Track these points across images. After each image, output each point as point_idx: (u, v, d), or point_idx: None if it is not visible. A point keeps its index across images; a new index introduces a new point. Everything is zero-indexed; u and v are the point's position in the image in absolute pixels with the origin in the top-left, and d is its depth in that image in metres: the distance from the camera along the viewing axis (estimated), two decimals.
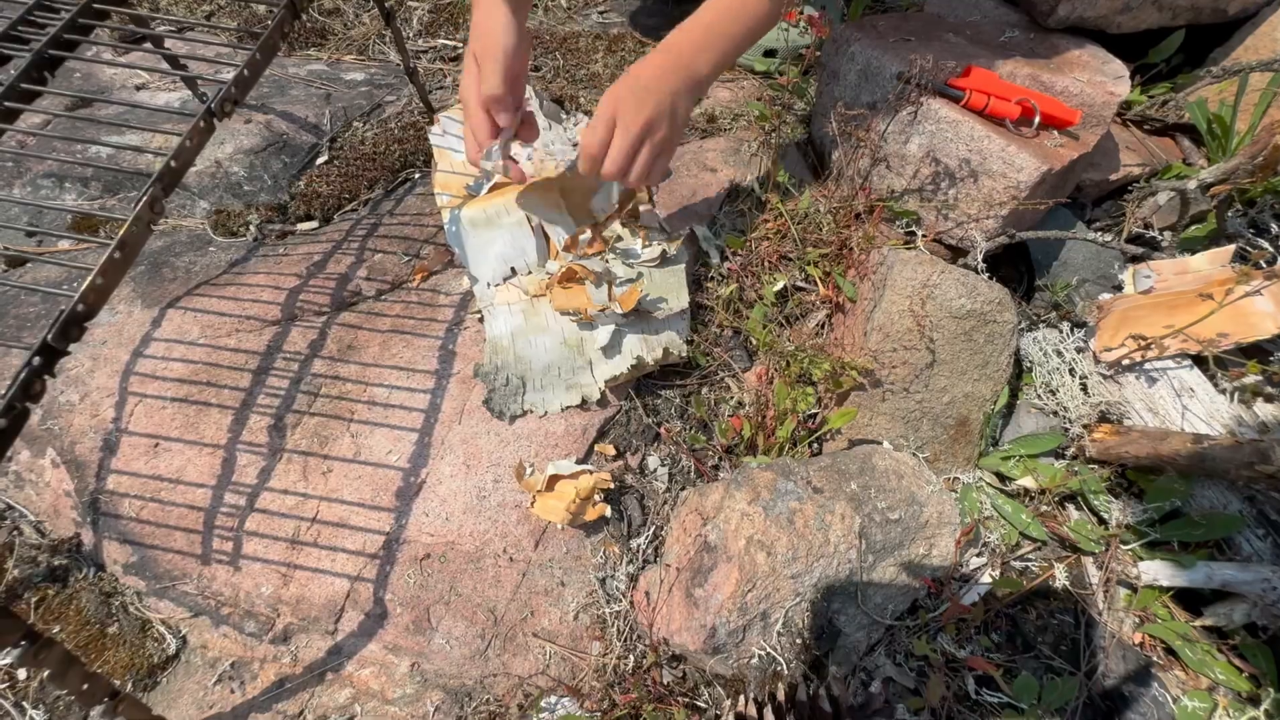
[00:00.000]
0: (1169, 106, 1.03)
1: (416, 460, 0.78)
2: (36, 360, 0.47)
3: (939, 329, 0.74)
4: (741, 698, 0.60)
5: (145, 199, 0.54)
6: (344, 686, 0.72)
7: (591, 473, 0.74)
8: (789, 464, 0.72)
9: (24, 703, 0.73)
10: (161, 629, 0.76)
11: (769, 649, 0.64)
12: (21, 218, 1.02)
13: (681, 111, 0.72)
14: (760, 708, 0.58)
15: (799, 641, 0.66)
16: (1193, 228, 0.94)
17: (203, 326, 0.87)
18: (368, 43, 1.33)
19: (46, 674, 0.53)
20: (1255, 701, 0.63)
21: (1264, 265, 0.75)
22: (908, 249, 0.78)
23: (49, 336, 0.48)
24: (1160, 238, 0.93)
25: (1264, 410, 0.77)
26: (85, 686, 0.57)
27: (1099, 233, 0.85)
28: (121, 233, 0.53)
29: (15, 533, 0.79)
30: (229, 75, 0.66)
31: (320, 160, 1.10)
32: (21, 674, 0.74)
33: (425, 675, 0.71)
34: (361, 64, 1.29)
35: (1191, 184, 0.84)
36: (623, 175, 0.70)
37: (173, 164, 0.57)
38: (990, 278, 0.80)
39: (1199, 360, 0.78)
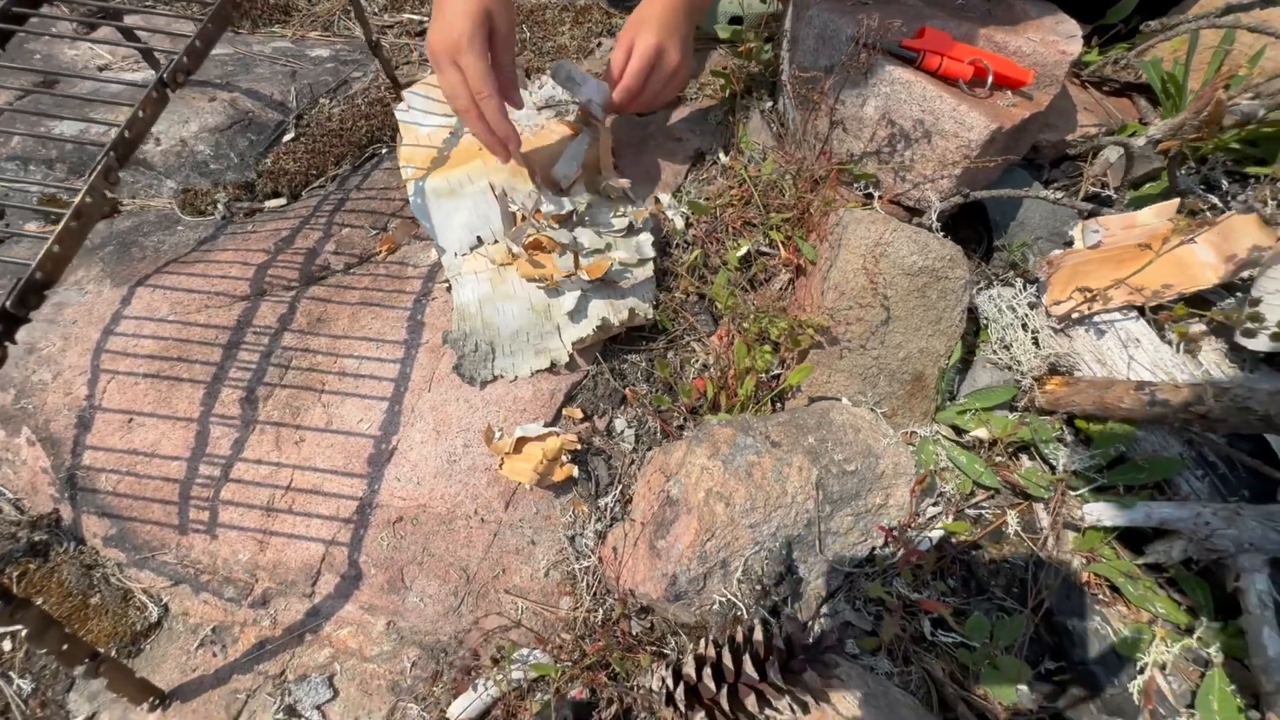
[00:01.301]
0: (1125, 66, 1.05)
1: (388, 427, 0.79)
2: None
3: (893, 286, 0.76)
4: (702, 641, 0.63)
5: (99, 168, 0.55)
6: (323, 646, 0.74)
7: (558, 434, 0.76)
8: (748, 420, 0.74)
9: (10, 672, 0.75)
10: (143, 598, 0.77)
11: (729, 595, 0.67)
12: None
13: (685, 32, 0.88)
14: (719, 649, 0.61)
15: (759, 588, 0.68)
16: (1147, 185, 0.97)
17: (172, 304, 0.87)
18: (332, 19, 1.32)
19: (24, 633, 0.54)
20: (1190, 631, 0.67)
21: (1207, 214, 0.77)
22: (864, 210, 0.80)
23: (7, 303, 0.49)
24: (1115, 195, 0.95)
25: (1208, 358, 0.80)
26: (65, 647, 0.59)
27: (1054, 191, 0.86)
28: (76, 202, 0.54)
29: None
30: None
31: (287, 137, 1.10)
32: (6, 645, 0.76)
33: (401, 633, 0.73)
34: (327, 40, 1.28)
35: (1140, 140, 0.86)
36: (634, 97, 0.88)
37: (126, 134, 0.58)
38: (945, 236, 0.82)
39: (1146, 311, 0.80)
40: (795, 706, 0.60)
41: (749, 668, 0.58)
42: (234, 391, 0.82)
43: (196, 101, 1.11)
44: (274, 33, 1.30)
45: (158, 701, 0.71)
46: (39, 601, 0.77)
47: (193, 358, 0.84)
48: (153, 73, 1.14)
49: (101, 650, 0.63)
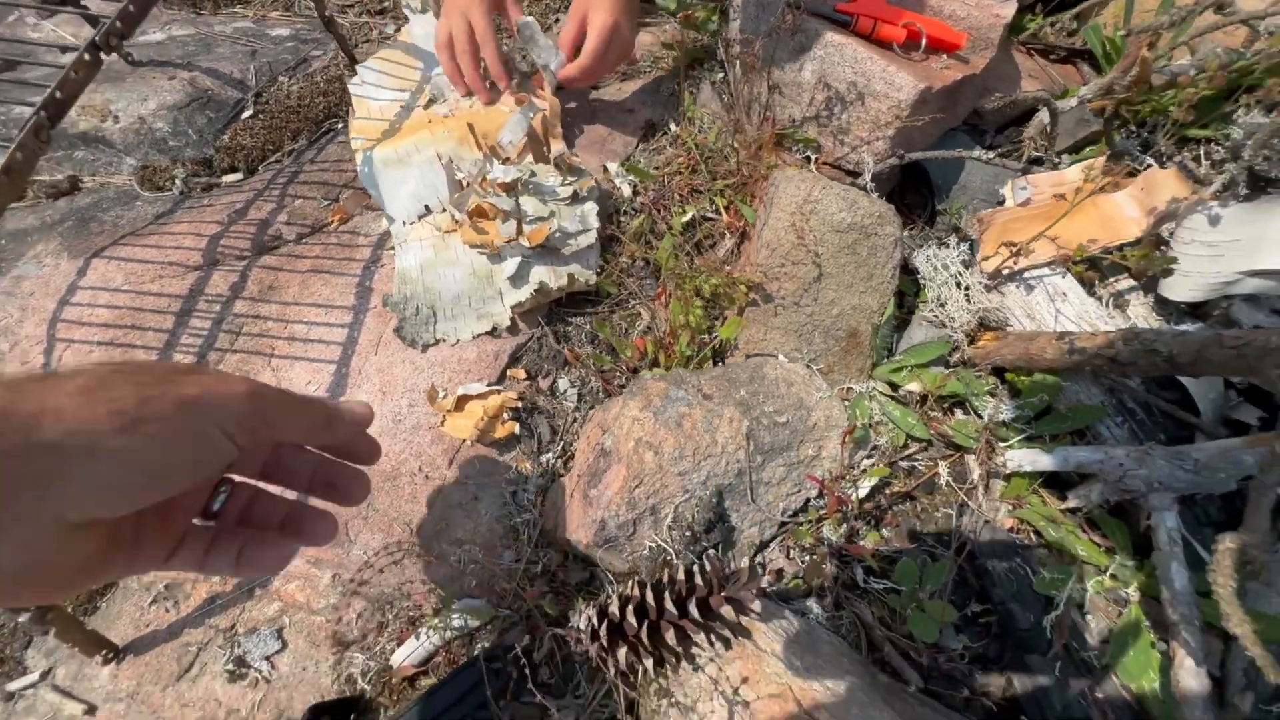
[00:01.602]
0: (1069, 33, 1.06)
1: (335, 390, 0.81)
2: None
3: (823, 243, 0.78)
4: (630, 582, 0.65)
5: (29, 126, 0.57)
6: (272, 600, 0.76)
7: (499, 392, 0.78)
8: (681, 374, 0.76)
9: None
10: None
11: (660, 541, 0.69)
12: None
13: (636, 7, 0.94)
14: (643, 589, 0.63)
15: (689, 535, 0.70)
16: (1088, 149, 0.98)
17: (126, 274, 0.89)
18: None
19: None
20: (1101, 569, 0.69)
21: (1129, 166, 0.79)
22: (795, 170, 0.82)
23: None
24: (1045, 156, 0.97)
25: (1136, 312, 0.82)
26: None
27: (987, 152, 0.88)
28: (5, 159, 0.55)
29: None
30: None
31: (245, 114, 1.12)
32: None
33: (345, 585, 0.75)
34: (287, 20, 1.29)
35: (1072, 102, 0.87)
36: (590, 76, 0.94)
37: (58, 94, 0.59)
38: (880, 197, 0.84)
39: (1078, 265, 0.82)
40: (717, 641, 0.63)
41: (669, 605, 0.60)
42: (185, 357, 0.84)
43: (156, 80, 1.12)
44: (236, 13, 1.31)
45: (111, 655, 0.74)
46: None
47: (146, 325, 0.86)
48: (114, 55, 1.16)
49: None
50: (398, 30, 1.20)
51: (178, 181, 1.04)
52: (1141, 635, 0.66)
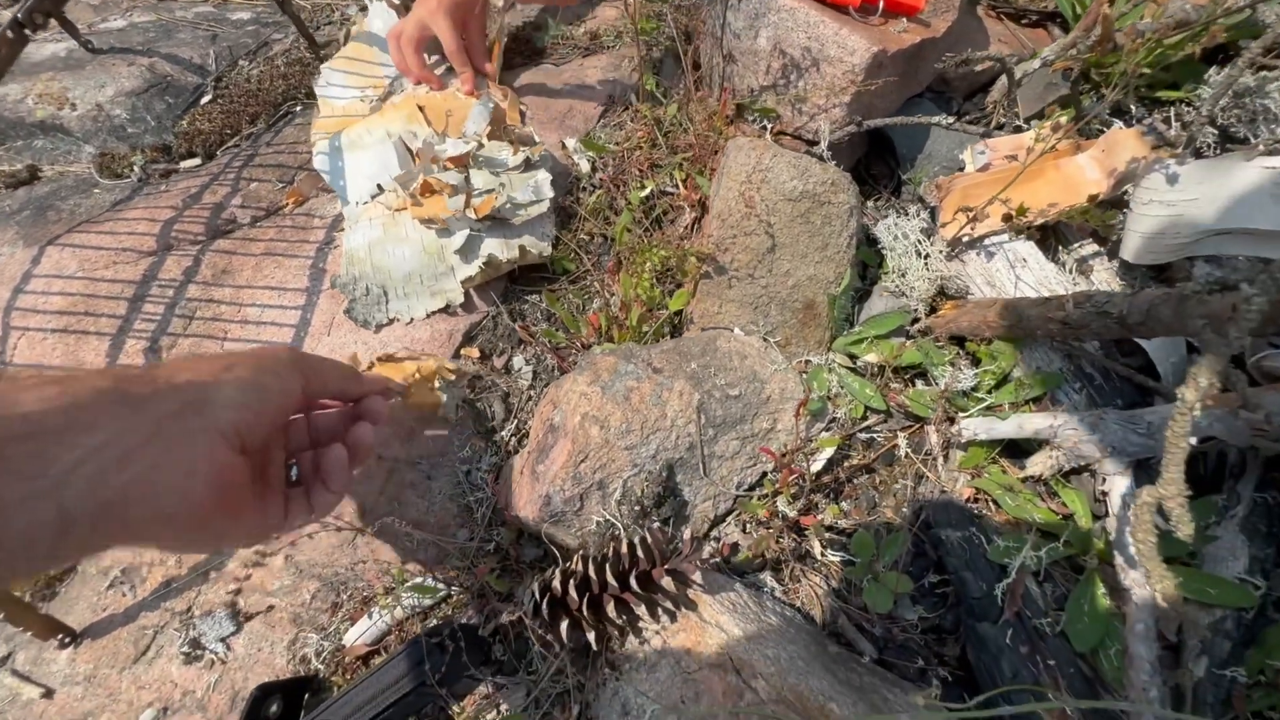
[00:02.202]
0: None
1: None
2: None
3: (775, 213, 0.76)
4: (575, 557, 0.64)
5: None
6: (227, 582, 0.76)
7: (431, 359, 0.76)
8: (631, 348, 0.75)
9: None
10: None
11: (608, 516, 0.68)
12: None
13: None
14: (585, 562, 0.62)
15: (638, 509, 0.70)
16: (1061, 113, 0.96)
17: (80, 261, 0.89)
18: None
19: None
20: (1058, 537, 0.68)
21: (1101, 129, 0.77)
22: (745, 139, 0.80)
23: None
24: (1026, 125, 0.95)
25: (1100, 277, 0.81)
26: None
27: (951, 119, 0.86)
28: None
29: None
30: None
31: (205, 99, 1.11)
32: None
33: (299, 566, 0.75)
34: (249, 4, 1.28)
35: (1034, 64, 0.85)
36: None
37: None
38: (838, 165, 0.82)
39: (1042, 231, 0.81)
40: (662, 614, 0.62)
41: (610, 579, 0.59)
42: (138, 343, 0.83)
43: (115, 67, 1.11)
44: None
45: (68, 639, 0.74)
46: None
47: (99, 311, 0.85)
48: (74, 43, 1.15)
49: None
50: (361, 11, 1.19)
51: (136, 168, 1.03)
52: (1096, 601, 0.65)
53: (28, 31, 0.62)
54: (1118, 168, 0.74)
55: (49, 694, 0.73)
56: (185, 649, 0.73)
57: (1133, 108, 0.97)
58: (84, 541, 0.33)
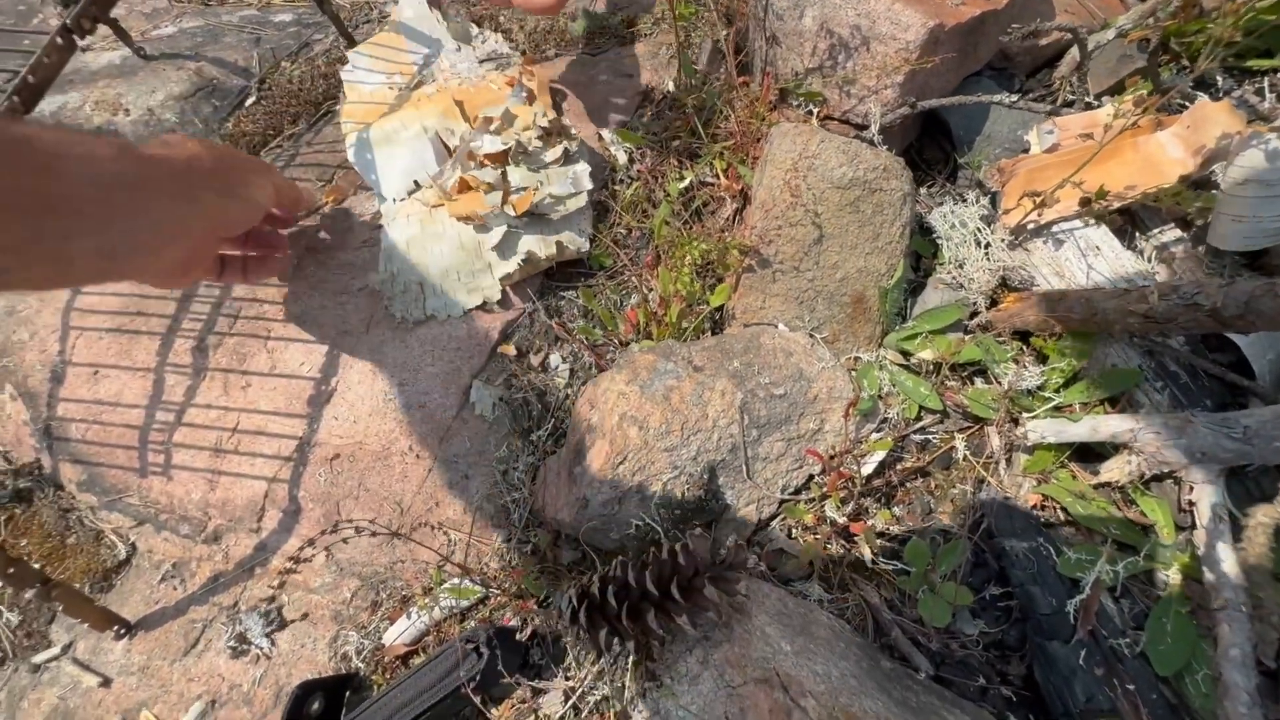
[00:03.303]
0: None
1: (327, 370, 0.81)
2: None
3: (823, 202, 0.72)
4: (614, 562, 0.62)
5: (2, 110, 0.57)
6: (272, 578, 0.77)
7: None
8: (672, 345, 0.72)
9: (0, 607, 0.81)
10: (113, 537, 0.82)
11: (647, 520, 0.66)
12: None
13: None
14: (624, 568, 0.60)
15: (678, 513, 0.67)
16: (1141, 85, 0.88)
17: None
18: None
19: None
20: (1137, 550, 0.62)
21: (1183, 103, 0.70)
22: (791, 124, 0.76)
23: None
24: (1097, 102, 0.88)
25: (1183, 266, 0.74)
26: (11, 571, 0.63)
27: (1012, 96, 0.80)
28: None
29: None
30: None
31: (249, 101, 1.13)
32: None
33: (340, 564, 0.75)
34: (291, 5, 1.29)
35: (1109, 34, 0.78)
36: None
37: (30, 79, 0.59)
38: (890, 149, 0.77)
39: (1122, 215, 0.74)
40: (707, 623, 0.59)
41: (650, 585, 0.57)
42: (186, 341, 0.85)
43: (165, 72, 1.14)
44: (242, 2, 1.32)
45: (124, 630, 0.76)
46: (24, 543, 0.83)
47: (150, 311, 0.87)
48: (128, 51, 1.18)
49: (50, 575, 0.67)
50: (394, 2, 1.18)
51: None
52: (1181, 621, 0.60)
53: (76, 38, 0.63)
54: (1206, 145, 0.68)
55: (106, 683, 0.75)
56: (232, 643, 0.74)
57: (1219, 79, 0.89)
58: (100, 250, 0.47)
